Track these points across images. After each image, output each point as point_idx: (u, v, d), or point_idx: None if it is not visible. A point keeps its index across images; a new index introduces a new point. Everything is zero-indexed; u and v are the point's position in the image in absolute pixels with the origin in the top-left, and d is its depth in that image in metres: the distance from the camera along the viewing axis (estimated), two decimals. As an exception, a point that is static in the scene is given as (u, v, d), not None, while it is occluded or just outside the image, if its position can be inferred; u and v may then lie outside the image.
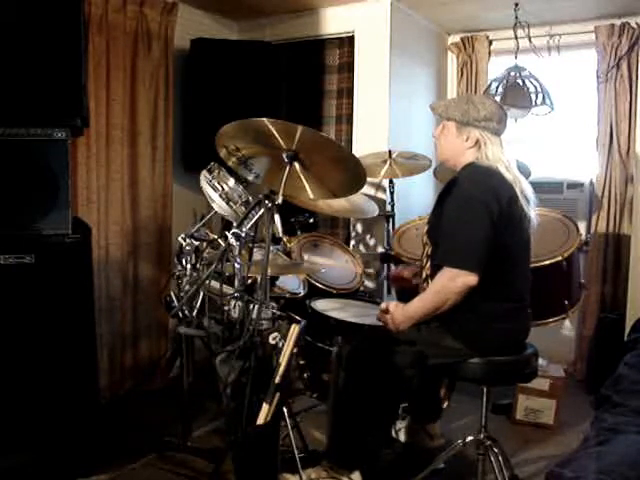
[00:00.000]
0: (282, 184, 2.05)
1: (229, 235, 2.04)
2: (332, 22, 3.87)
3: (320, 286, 2.85)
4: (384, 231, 3.61)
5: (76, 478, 2.33)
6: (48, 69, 2.32)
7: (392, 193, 3.54)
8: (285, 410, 2.17)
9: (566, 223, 2.84)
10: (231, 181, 2.46)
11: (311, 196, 2.31)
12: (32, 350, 2.29)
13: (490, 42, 4.11)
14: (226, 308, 2.22)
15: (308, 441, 2.52)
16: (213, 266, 2.09)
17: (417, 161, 3.49)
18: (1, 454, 2.23)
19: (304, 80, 4.02)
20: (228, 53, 3.63)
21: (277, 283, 2.58)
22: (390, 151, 3.42)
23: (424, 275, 2.27)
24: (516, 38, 3.72)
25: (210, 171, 2.49)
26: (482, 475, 2.22)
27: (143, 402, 3.18)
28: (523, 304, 2.18)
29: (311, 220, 3.41)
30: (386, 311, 2.17)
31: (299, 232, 3.31)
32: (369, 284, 3.71)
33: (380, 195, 3.79)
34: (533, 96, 3.53)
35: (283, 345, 1.96)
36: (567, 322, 3.87)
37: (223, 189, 2.44)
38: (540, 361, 2.26)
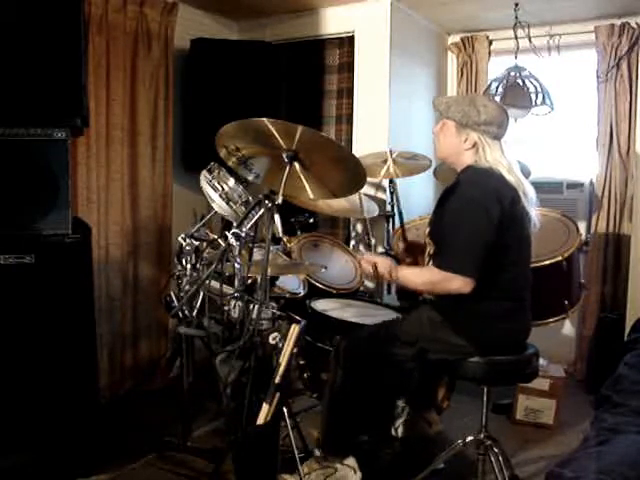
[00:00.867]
0: (282, 184, 2.05)
1: (229, 235, 2.04)
2: (332, 22, 3.87)
3: (320, 286, 2.85)
4: (384, 231, 3.61)
5: (76, 478, 2.33)
6: (48, 69, 2.32)
7: (392, 193, 3.54)
8: (285, 410, 2.16)
9: (566, 223, 2.84)
10: (231, 181, 2.46)
11: (311, 196, 2.31)
12: (32, 350, 2.29)
13: (490, 42, 4.11)
14: (226, 308, 2.23)
15: (308, 441, 2.51)
16: (213, 266, 2.09)
17: (417, 161, 3.49)
18: (1, 454, 2.22)
19: (304, 80, 4.02)
20: (228, 53, 3.63)
21: (277, 283, 2.58)
22: (390, 151, 3.41)
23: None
24: (516, 38, 3.72)
25: (210, 171, 2.49)
26: (482, 475, 2.22)
27: (143, 402, 3.18)
28: (523, 304, 2.17)
29: (311, 220, 3.41)
30: (374, 265, 2.17)
31: (299, 232, 3.32)
32: (369, 284, 3.70)
33: (380, 195, 3.79)
34: (533, 96, 3.53)
35: (283, 345, 1.97)
36: (567, 322, 3.88)
37: (223, 189, 2.44)
38: (540, 361, 2.25)
